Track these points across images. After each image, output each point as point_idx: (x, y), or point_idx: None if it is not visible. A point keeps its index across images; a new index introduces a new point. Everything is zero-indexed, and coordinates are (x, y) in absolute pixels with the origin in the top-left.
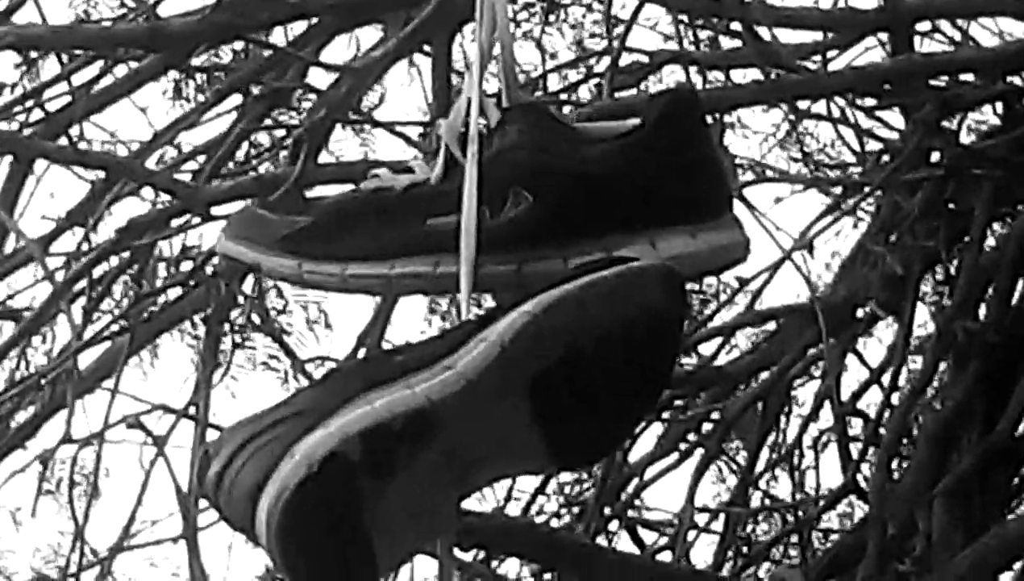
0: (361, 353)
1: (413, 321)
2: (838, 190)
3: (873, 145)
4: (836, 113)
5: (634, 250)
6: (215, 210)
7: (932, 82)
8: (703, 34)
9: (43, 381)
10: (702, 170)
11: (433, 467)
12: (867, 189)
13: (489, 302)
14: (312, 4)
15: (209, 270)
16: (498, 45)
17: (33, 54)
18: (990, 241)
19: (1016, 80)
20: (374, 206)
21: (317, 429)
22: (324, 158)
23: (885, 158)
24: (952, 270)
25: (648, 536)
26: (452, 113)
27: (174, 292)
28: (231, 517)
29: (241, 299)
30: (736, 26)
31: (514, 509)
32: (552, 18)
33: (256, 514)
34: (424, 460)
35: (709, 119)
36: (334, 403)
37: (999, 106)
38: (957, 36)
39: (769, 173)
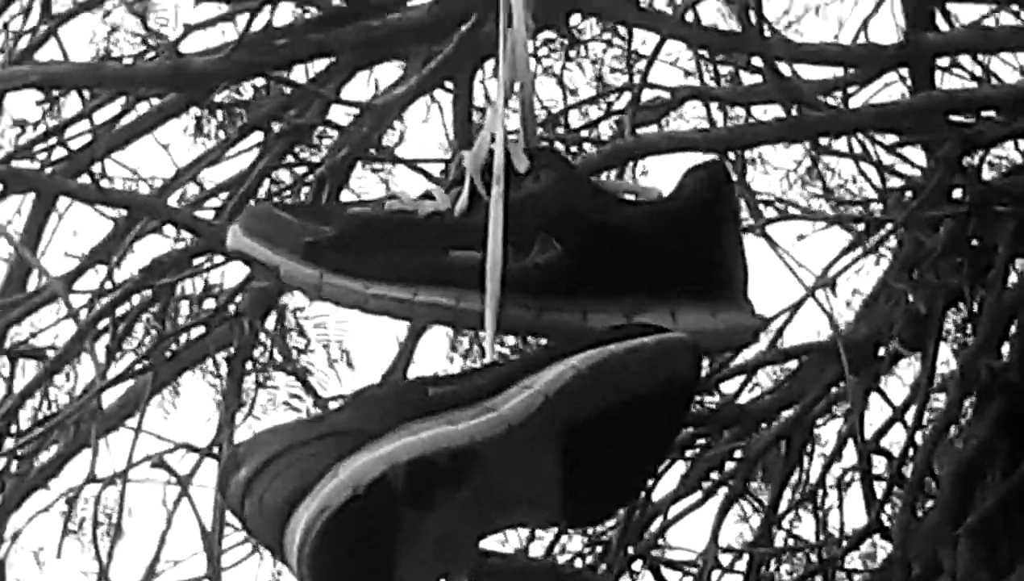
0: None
1: (434, 360)
2: (860, 227)
3: (894, 181)
4: (857, 149)
5: (654, 318)
6: None
7: (953, 118)
8: (723, 69)
9: (67, 421)
10: (728, 251)
11: (465, 505)
12: (889, 226)
13: (509, 342)
14: (333, 41)
15: (232, 309)
16: (517, 85)
17: (55, 92)
18: (1013, 277)
19: None
20: (398, 228)
21: (362, 452)
22: (346, 196)
23: (907, 195)
24: (975, 307)
25: (671, 576)
26: (476, 146)
27: (197, 330)
28: (255, 526)
29: (263, 337)
30: (757, 61)
31: (537, 549)
32: (572, 54)
33: (288, 527)
34: (459, 498)
35: (732, 159)
36: (377, 428)
37: (1021, 142)
38: (978, 71)
39: (791, 210)
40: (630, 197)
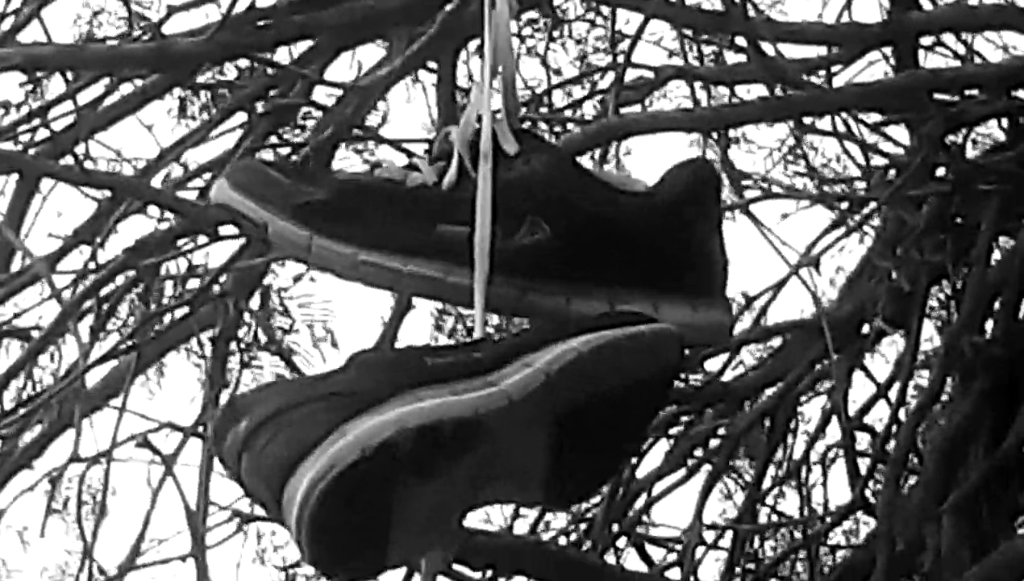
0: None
1: (419, 340)
2: (843, 205)
3: (878, 159)
4: (841, 128)
5: (636, 308)
6: (223, 230)
7: (937, 96)
8: (707, 48)
9: (51, 401)
10: (711, 249)
11: (457, 477)
12: (873, 205)
13: (492, 321)
14: (316, 24)
15: (216, 289)
16: (501, 67)
17: (39, 73)
18: (996, 255)
19: (1021, 94)
20: (388, 197)
21: (369, 414)
22: None
23: (890, 173)
24: (959, 284)
25: (656, 553)
26: (462, 121)
27: (181, 310)
28: (251, 481)
29: (248, 317)
30: (741, 40)
31: (522, 526)
32: (556, 34)
33: (288, 484)
34: (455, 469)
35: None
36: (381, 392)
37: (1004, 120)
38: (961, 49)
39: (775, 189)
40: (618, 187)
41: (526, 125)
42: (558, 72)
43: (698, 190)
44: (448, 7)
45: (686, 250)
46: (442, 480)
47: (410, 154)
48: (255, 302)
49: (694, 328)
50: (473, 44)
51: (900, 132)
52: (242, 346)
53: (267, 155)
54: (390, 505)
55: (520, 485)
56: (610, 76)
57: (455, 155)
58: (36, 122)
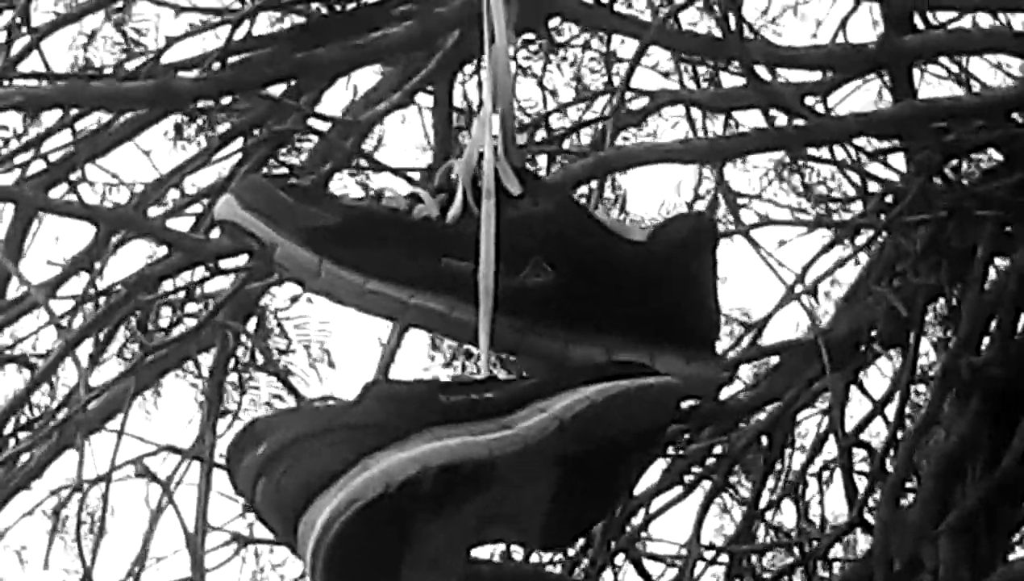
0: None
1: (416, 362)
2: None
3: (875, 181)
4: (839, 152)
5: (633, 358)
6: (223, 263)
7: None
8: (702, 69)
9: (50, 428)
10: (706, 303)
11: (467, 516)
12: (871, 233)
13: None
14: (315, 62)
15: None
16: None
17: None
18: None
19: (1016, 116)
20: (395, 226)
21: (391, 450)
22: None
23: (887, 197)
24: (955, 302)
25: (654, 568)
26: (465, 155)
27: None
28: (266, 508)
29: (245, 339)
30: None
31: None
32: (552, 56)
33: (306, 514)
34: (466, 508)
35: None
36: (401, 428)
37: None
38: (955, 68)
39: (772, 207)
40: (619, 233)
41: (527, 152)
42: (554, 93)
43: (696, 244)
44: (449, 42)
45: (682, 303)
46: (453, 519)
47: (411, 181)
48: (252, 323)
49: (686, 380)
50: (468, 67)
51: (896, 155)
52: (239, 367)
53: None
54: (405, 541)
55: (520, 527)
56: (605, 98)
57: (459, 190)
58: (33, 152)
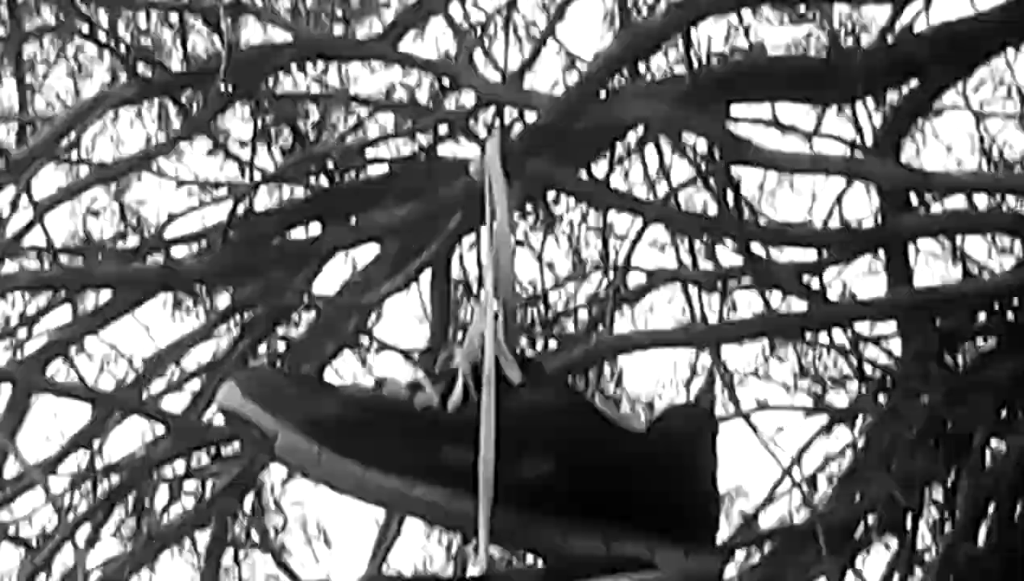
0: None
1: (413, 540)
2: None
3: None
4: (837, 335)
5: (632, 551)
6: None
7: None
8: (699, 243)
9: None
10: (706, 496)
11: None
12: (867, 420)
13: None
14: (316, 249)
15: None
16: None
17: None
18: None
19: (1014, 300)
20: (394, 416)
21: None
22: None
23: (885, 381)
24: (951, 484)
25: None
26: (466, 345)
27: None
28: None
29: (241, 516)
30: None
31: None
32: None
33: None
34: None
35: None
36: None
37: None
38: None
39: (771, 383)
40: (619, 425)
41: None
42: (551, 266)
43: (696, 435)
44: (451, 224)
45: (682, 495)
46: None
47: (409, 356)
48: (248, 498)
49: (685, 574)
50: (467, 238)
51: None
52: (235, 544)
53: (262, 349)
54: None
55: None
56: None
57: (459, 378)
58: (32, 328)
